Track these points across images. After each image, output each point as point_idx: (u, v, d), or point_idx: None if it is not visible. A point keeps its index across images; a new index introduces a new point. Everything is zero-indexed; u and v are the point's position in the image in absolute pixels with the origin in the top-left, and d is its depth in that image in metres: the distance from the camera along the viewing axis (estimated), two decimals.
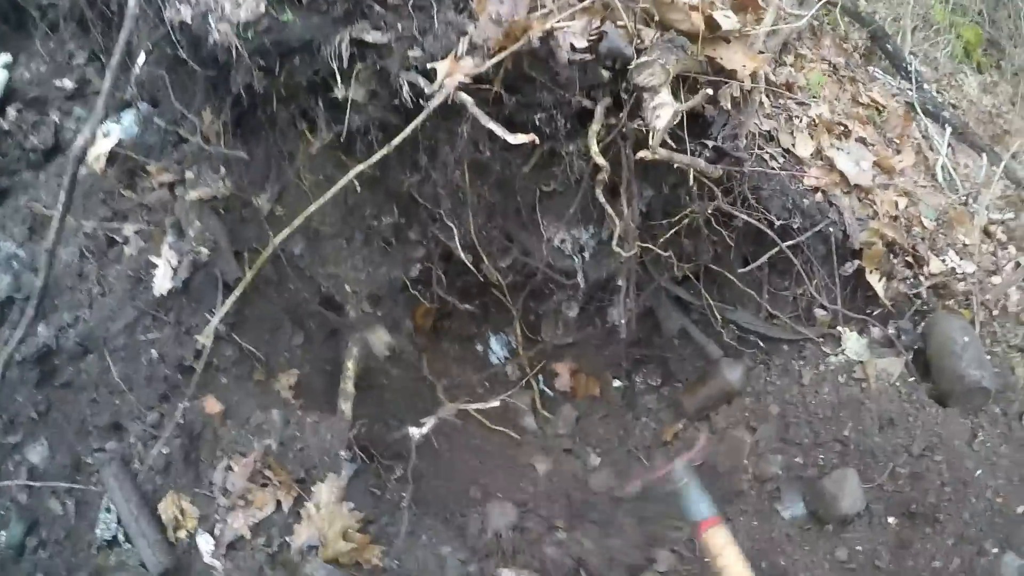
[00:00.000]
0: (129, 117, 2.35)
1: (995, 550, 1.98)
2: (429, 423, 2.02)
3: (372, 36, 1.85)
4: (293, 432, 2.10)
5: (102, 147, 2.27)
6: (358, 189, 2.38)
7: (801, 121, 2.53)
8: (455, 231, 2.35)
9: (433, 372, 2.88)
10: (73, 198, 1.92)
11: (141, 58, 2.08)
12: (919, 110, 3.09)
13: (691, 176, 2.03)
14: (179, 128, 2.39)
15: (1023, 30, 3.74)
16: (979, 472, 2.08)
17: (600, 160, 1.91)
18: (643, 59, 1.80)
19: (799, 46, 3.23)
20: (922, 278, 2.47)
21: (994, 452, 2.16)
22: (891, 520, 2.09)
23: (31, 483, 1.86)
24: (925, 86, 3.14)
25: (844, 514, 2.07)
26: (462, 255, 2.41)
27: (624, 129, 1.97)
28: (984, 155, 2.93)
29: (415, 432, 2.06)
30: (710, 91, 1.87)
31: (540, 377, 2.85)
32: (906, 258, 2.50)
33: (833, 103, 2.98)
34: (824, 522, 2.13)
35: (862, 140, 2.76)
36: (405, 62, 1.89)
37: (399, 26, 1.87)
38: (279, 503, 1.92)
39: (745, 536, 2.11)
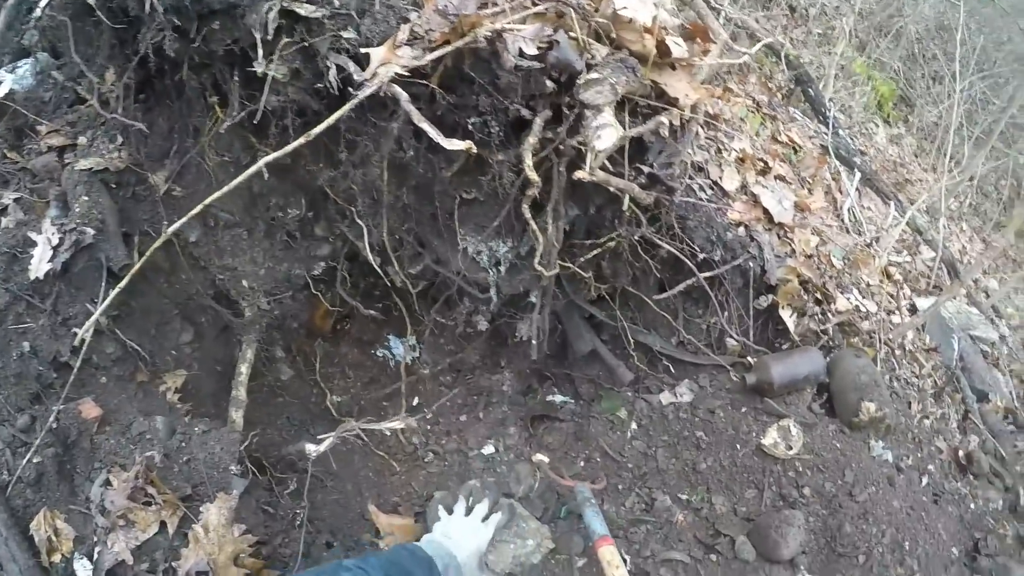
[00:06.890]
0: (25, 67, 2.07)
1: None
2: (327, 441, 1.86)
3: (304, 9, 1.68)
4: (179, 443, 1.90)
5: None
6: (265, 176, 2.19)
7: (729, 155, 2.56)
8: (365, 231, 2.20)
9: (328, 378, 2.74)
10: None
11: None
12: (832, 154, 3.23)
13: (625, 201, 1.99)
14: (78, 86, 2.12)
15: (933, 91, 4.01)
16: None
17: (533, 175, 1.82)
18: (593, 75, 1.73)
19: (727, 80, 3.31)
20: (830, 315, 2.55)
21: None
22: None
23: None
24: (840, 132, 3.28)
25: None
26: (370, 257, 2.27)
27: (561, 145, 1.89)
28: (891, 202, 3.08)
29: (312, 449, 1.89)
30: (664, 120, 1.83)
31: None
32: (815, 295, 2.58)
33: (753, 138, 3.07)
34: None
35: (781, 177, 2.84)
36: (336, 43, 1.73)
37: (336, 1, 1.72)
38: (163, 524, 1.72)
39: None
